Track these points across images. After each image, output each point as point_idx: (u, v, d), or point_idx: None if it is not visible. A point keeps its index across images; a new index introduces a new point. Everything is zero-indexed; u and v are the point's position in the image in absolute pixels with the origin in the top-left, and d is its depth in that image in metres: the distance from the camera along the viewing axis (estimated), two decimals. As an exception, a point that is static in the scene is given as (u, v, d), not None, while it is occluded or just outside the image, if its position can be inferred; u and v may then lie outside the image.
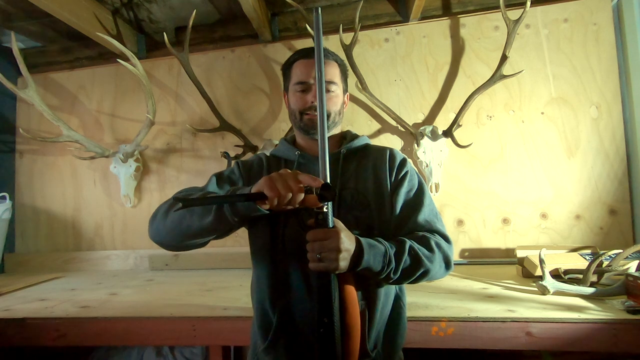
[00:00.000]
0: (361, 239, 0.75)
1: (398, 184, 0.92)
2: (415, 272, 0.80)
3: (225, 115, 1.96)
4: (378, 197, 0.90)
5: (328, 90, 0.93)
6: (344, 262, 0.71)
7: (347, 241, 0.71)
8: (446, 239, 0.87)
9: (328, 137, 0.77)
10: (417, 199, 0.91)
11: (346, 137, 1.02)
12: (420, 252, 0.80)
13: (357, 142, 0.99)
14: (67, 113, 2.19)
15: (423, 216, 0.89)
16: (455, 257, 1.80)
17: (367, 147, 0.99)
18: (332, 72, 0.95)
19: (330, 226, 0.71)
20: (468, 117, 1.79)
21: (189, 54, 1.74)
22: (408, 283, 0.84)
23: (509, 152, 1.80)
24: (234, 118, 2.03)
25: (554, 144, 1.76)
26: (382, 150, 0.98)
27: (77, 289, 1.65)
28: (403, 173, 0.93)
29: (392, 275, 0.77)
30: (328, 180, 0.71)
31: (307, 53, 0.95)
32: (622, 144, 1.69)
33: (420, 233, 0.86)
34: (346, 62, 1.03)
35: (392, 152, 0.97)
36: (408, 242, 0.80)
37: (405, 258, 0.78)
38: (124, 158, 1.96)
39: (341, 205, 0.87)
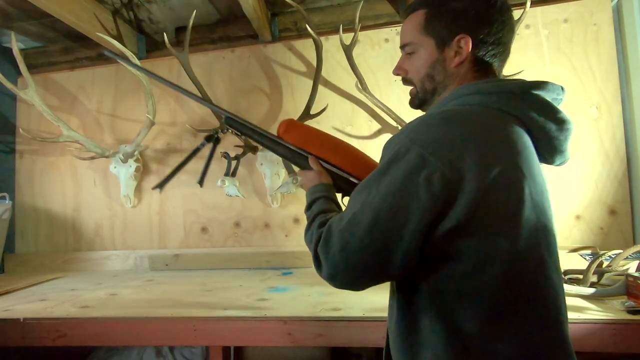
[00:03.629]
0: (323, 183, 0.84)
1: None
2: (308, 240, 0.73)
3: (225, 115, 1.96)
4: None
5: (404, 52, 0.78)
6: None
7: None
8: (326, 244, 0.64)
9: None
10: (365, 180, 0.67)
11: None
12: (310, 225, 0.74)
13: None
14: (67, 113, 2.19)
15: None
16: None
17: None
18: (404, 29, 0.77)
19: None
20: (468, 118, 1.79)
21: (189, 54, 1.74)
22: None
23: (509, 152, 1.79)
24: (234, 118, 2.03)
25: (554, 144, 1.75)
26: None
27: (77, 289, 1.65)
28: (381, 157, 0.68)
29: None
30: None
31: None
32: (622, 144, 1.69)
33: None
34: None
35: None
36: (320, 215, 0.75)
37: (309, 216, 0.78)
38: (124, 158, 1.96)
39: None
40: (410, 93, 0.80)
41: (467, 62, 0.70)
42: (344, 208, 0.72)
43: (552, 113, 0.65)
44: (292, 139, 0.93)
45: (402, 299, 0.66)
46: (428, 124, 0.62)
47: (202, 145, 1.03)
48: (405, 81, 0.79)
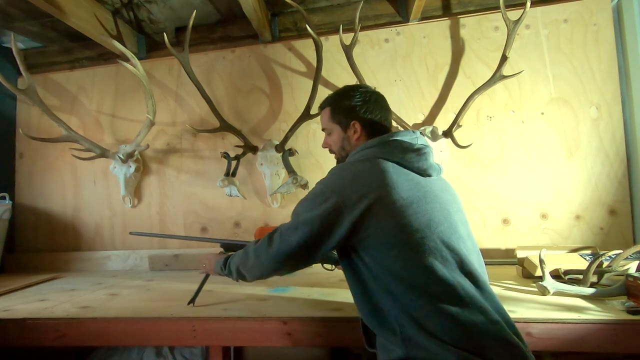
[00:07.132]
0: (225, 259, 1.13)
1: None
2: (235, 275, 1.08)
3: (225, 115, 1.96)
4: None
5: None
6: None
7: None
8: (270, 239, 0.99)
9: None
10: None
11: None
12: (236, 260, 1.08)
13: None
14: (67, 113, 2.19)
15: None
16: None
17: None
18: (323, 118, 1.15)
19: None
20: (468, 118, 1.79)
21: (189, 54, 1.74)
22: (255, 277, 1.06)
23: (509, 152, 1.79)
24: (234, 118, 2.03)
25: (554, 144, 1.76)
26: None
27: (77, 289, 1.65)
28: None
29: (231, 277, 1.11)
30: None
31: None
32: (622, 144, 1.69)
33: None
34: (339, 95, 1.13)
35: None
36: (230, 258, 1.12)
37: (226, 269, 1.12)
38: (124, 158, 1.96)
39: None
40: (335, 157, 1.16)
41: (362, 135, 1.07)
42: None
43: (409, 148, 0.96)
44: None
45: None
46: (332, 173, 0.99)
47: (207, 279, 1.33)
48: (331, 151, 1.15)
